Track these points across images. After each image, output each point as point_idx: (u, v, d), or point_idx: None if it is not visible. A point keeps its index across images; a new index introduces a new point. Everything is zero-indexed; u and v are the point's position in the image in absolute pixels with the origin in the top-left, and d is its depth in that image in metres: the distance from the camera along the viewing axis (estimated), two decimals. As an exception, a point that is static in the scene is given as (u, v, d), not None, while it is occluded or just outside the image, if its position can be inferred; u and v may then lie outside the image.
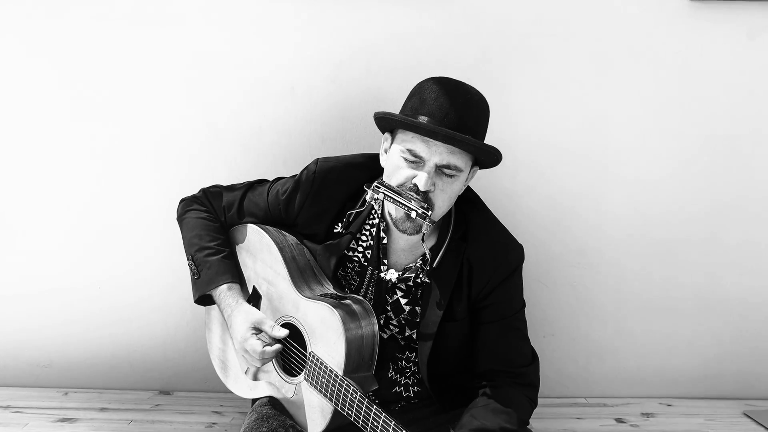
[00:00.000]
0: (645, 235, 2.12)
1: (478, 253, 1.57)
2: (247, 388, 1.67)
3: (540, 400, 1.62)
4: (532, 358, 1.61)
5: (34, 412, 1.93)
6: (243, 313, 1.56)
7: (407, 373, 1.64)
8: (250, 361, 1.56)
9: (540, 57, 2.01)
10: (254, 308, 1.58)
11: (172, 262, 1.99)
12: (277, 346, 1.53)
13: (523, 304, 1.64)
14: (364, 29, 1.99)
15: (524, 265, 1.63)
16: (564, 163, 2.07)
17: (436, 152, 1.45)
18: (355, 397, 1.40)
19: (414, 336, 1.61)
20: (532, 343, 1.64)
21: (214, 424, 1.93)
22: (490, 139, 1.55)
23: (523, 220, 2.05)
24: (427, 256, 1.54)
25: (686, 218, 2.12)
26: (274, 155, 2.04)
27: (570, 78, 2.02)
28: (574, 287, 2.14)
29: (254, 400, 1.68)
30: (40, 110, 2.00)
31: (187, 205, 1.74)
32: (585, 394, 2.19)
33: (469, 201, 1.63)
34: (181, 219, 1.73)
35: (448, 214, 1.60)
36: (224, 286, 1.61)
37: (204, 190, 1.75)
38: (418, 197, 1.44)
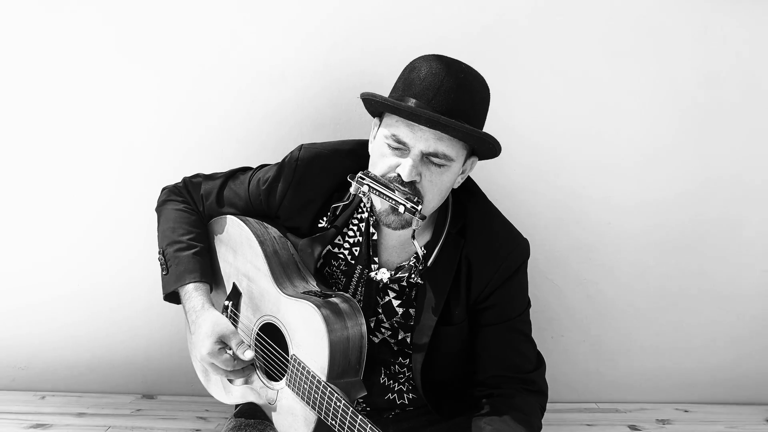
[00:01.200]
0: (660, 230, 2.00)
1: (478, 250, 1.43)
2: (229, 394, 1.54)
3: (547, 405, 1.50)
4: (538, 363, 1.48)
5: (5, 417, 1.84)
6: (209, 323, 1.42)
7: (401, 378, 1.51)
8: (221, 374, 1.43)
9: (548, 39, 1.86)
10: (219, 315, 1.45)
11: (156, 259, 1.87)
12: (251, 353, 1.39)
13: (528, 304, 1.50)
14: (359, 9, 1.86)
15: (531, 261, 1.50)
16: (573, 153, 1.94)
17: (421, 138, 1.31)
18: (339, 405, 1.27)
19: (408, 340, 1.47)
20: (539, 345, 1.52)
21: (197, 430, 1.82)
22: (493, 128, 1.40)
23: (529, 214, 1.92)
24: (420, 254, 1.40)
25: (704, 212, 1.99)
26: (263, 143, 1.91)
27: (578, 63, 1.88)
28: (584, 285, 2.02)
29: (237, 406, 1.55)
30: (26, 110, 1.88)
31: (165, 196, 1.62)
32: (596, 398, 2.08)
33: (467, 192, 1.49)
34: (158, 210, 1.62)
35: (445, 206, 1.46)
36: (190, 286, 1.48)
37: (185, 179, 1.63)
38: (406, 189, 1.30)
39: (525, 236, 1.49)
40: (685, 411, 2.05)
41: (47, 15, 1.82)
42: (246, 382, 1.47)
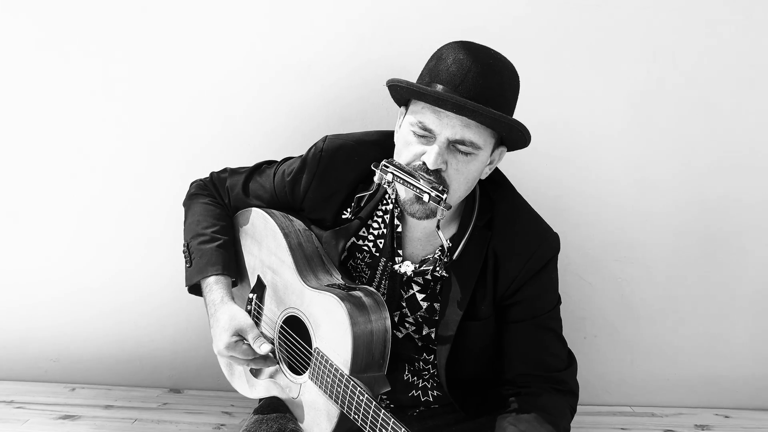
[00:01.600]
0: (700, 226, 1.93)
1: (505, 243, 1.39)
2: (252, 388, 1.53)
3: (579, 408, 1.45)
4: (569, 361, 1.43)
5: (36, 408, 1.86)
6: (226, 316, 1.41)
7: (425, 375, 1.47)
8: (241, 365, 1.42)
9: (588, 26, 1.80)
10: (240, 309, 1.43)
11: (182, 255, 1.88)
12: (267, 347, 1.37)
13: (559, 300, 1.45)
14: (387, 2, 1.83)
15: (563, 259, 1.45)
16: (608, 147, 1.88)
17: (448, 124, 1.27)
18: (362, 399, 1.24)
19: (432, 335, 1.44)
20: (570, 345, 1.46)
21: (222, 425, 1.81)
22: (524, 119, 1.36)
23: (561, 210, 1.87)
24: (445, 246, 1.36)
25: (747, 207, 1.91)
26: (290, 138, 1.90)
27: (613, 53, 1.82)
28: (618, 284, 1.96)
29: (260, 401, 1.54)
30: (44, 107, 1.91)
31: (193, 190, 1.62)
32: (630, 402, 2.01)
33: (495, 184, 1.45)
34: (185, 204, 1.62)
35: (472, 198, 1.42)
36: (211, 279, 1.47)
37: (212, 174, 1.63)
38: (431, 178, 1.27)
39: (554, 231, 1.44)
40: (726, 417, 1.97)
41: (74, 9, 1.84)
42: (270, 375, 1.46)
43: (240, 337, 1.39)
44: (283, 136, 1.90)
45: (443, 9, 1.83)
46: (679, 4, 1.81)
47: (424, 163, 1.28)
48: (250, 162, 1.69)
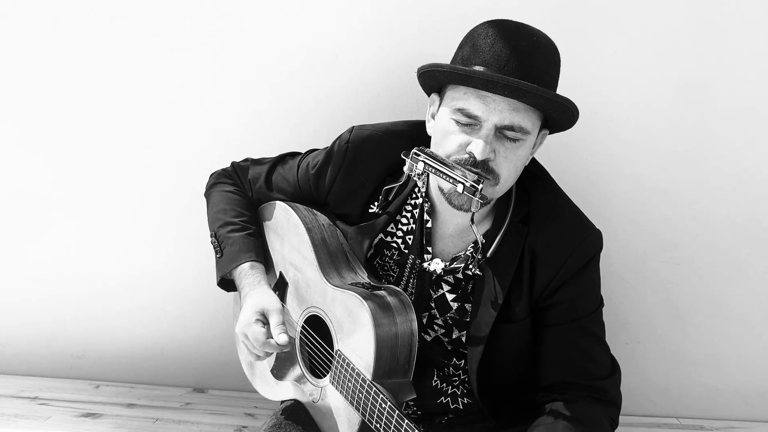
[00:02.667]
0: (755, 226, 1.79)
1: (543, 240, 1.29)
2: (272, 389, 1.47)
3: (621, 418, 1.35)
4: (612, 369, 1.33)
5: (59, 405, 1.83)
6: (256, 295, 1.34)
7: (455, 381, 1.38)
8: (251, 349, 1.33)
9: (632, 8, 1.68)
10: (272, 293, 1.36)
11: (208, 253, 1.82)
12: (284, 338, 1.28)
13: (601, 303, 1.35)
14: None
15: (604, 259, 1.35)
16: (652, 140, 1.77)
17: (495, 110, 1.18)
18: (384, 407, 1.15)
19: (463, 339, 1.35)
20: (612, 351, 1.35)
21: (243, 427, 1.75)
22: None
23: (602, 207, 1.75)
24: (479, 242, 1.27)
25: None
26: (316, 130, 1.84)
27: (670, 40, 1.70)
28: (664, 286, 1.84)
29: (283, 402, 1.47)
30: (87, 101, 1.87)
31: (214, 179, 1.57)
32: (677, 413, 1.89)
33: (533, 176, 1.35)
34: (207, 194, 1.57)
35: (508, 192, 1.32)
36: (246, 265, 1.40)
37: (233, 164, 1.57)
38: (469, 166, 1.18)
39: (597, 228, 1.34)
40: (782, 431, 1.83)
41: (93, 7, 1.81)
42: (293, 378, 1.39)
43: (263, 319, 1.32)
44: (311, 129, 1.83)
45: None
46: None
47: (471, 154, 1.19)
48: (274, 154, 1.63)
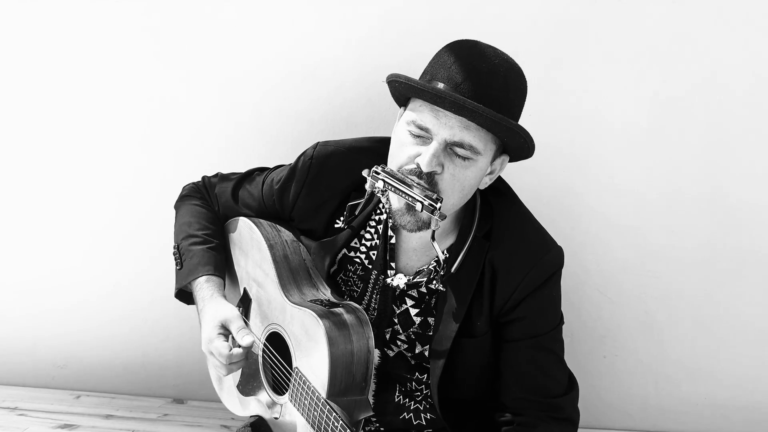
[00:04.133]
0: (735, 240, 1.77)
1: (504, 255, 1.29)
2: (239, 405, 1.47)
3: (597, 432, 1.33)
4: (569, 386, 1.32)
5: (38, 415, 1.85)
6: (212, 309, 1.35)
7: (417, 396, 1.38)
8: (217, 366, 1.34)
9: (616, 22, 1.68)
10: (228, 304, 1.37)
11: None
12: (249, 338, 1.28)
13: (561, 320, 1.34)
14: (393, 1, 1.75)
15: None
16: (629, 150, 1.74)
17: (446, 125, 1.19)
18: (337, 426, 1.15)
19: (426, 353, 1.34)
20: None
21: (218, 439, 1.76)
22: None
23: (578, 220, 1.76)
24: (440, 258, 1.27)
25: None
26: (294, 143, 1.82)
27: (641, 55, 1.69)
28: (643, 300, 1.82)
29: (250, 418, 1.47)
30: (53, 114, 1.89)
31: (184, 192, 1.58)
32: (654, 427, 1.87)
33: (497, 192, 1.35)
34: (176, 206, 1.58)
35: (473, 207, 1.32)
36: (202, 278, 1.41)
37: (204, 178, 1.59)
38: (425, 185, 1.18)
39: (558, 244, 1.33)
40: (762, 447, 1.80)
41: (86, 12, 1.83)
42: (255, 394, 1.39)
43: (225, 331, 1.33)
44: (289, 142, 1.84)
45: (454, 9, 1.74)
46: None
47: (418, 166, 1.19)
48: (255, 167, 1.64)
